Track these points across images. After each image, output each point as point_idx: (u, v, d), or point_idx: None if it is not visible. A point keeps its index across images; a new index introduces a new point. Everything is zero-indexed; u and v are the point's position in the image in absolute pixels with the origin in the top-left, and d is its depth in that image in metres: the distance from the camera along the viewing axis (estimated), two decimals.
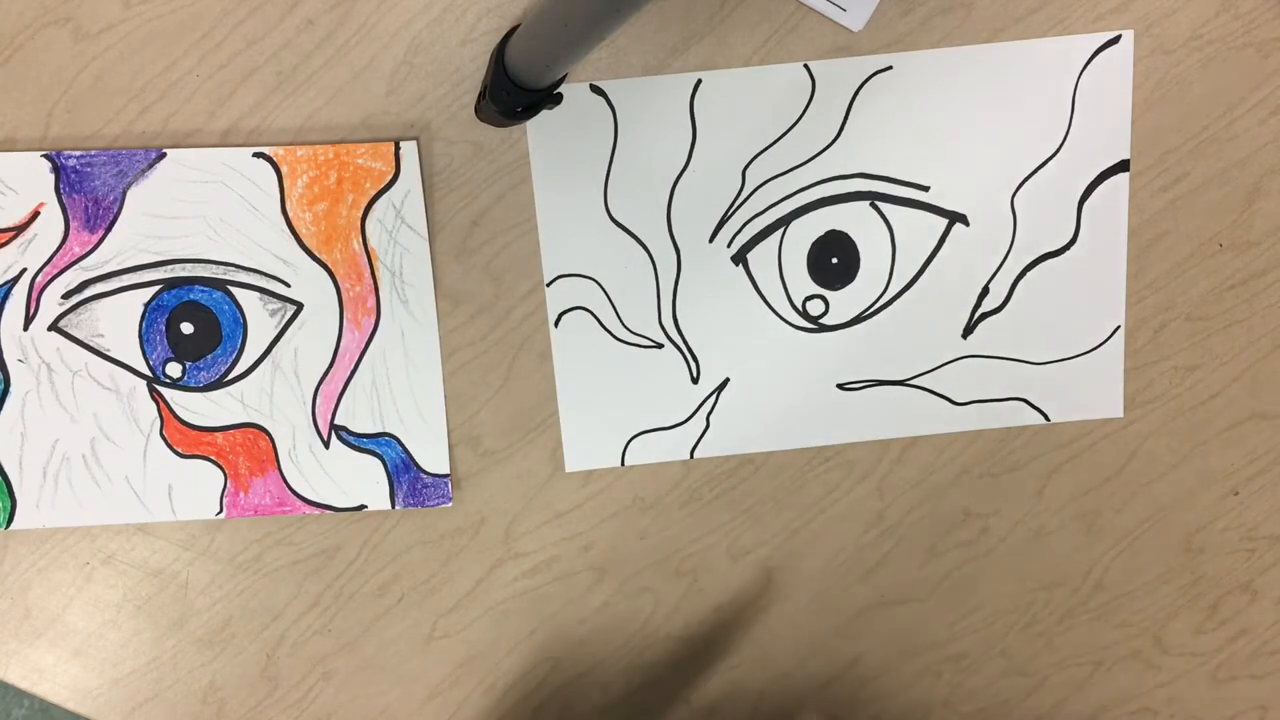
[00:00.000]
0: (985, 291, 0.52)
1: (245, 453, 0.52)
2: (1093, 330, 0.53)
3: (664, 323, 0.52)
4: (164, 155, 0.49)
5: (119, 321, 0.50)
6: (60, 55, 0.48)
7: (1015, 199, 0.52)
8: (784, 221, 0.51)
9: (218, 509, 0.52)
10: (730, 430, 0.53)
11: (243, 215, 0.50)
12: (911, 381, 0.53)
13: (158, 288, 0.50)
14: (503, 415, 0.53)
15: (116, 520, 0.52)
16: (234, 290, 0.50)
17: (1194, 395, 0.54)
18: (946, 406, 0.54)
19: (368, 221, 0.50)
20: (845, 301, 0.52)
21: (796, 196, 0.51)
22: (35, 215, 0.49)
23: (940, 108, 0.51)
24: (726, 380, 0.53)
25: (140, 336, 0.50)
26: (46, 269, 0.50)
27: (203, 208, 0.49)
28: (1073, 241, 0.52)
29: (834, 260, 0.52)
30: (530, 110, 0.46)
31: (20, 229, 0.49)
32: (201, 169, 0.49)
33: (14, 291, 0.50)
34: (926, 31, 0.50)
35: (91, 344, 0.50)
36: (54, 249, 0.49)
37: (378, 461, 0.52)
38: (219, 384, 0.51)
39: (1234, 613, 0.57)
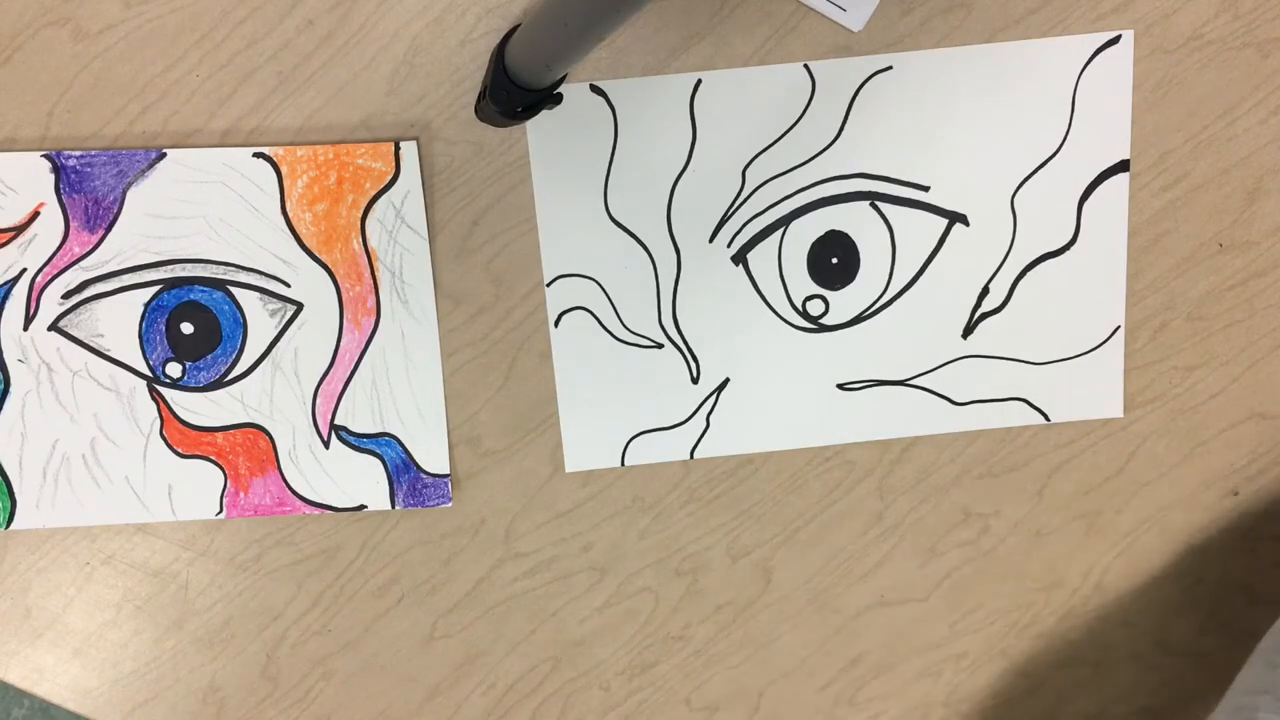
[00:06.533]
0: (985, 291, 0.52)
1: (245, 453, 0.52)
2: (1093, 330, 0.53)
3: (664, 323, 0.52)
4: (164, 155, 0.49)
5: (119, 321, 0.50)
6: (60, 55, 0.48)
7: (1015, 199, 0.52)
8: (784, 221, 0.51)
9: (218, 509, 0.52)
10: (730, 430, 0.53)
11: (243, 215, 0.50)
12: (911, 381, 0.53)
13: (158, 288, 0.50)
14: (503, 415, 0.53)
15: (116, 520, 0.52)
16: (234, 290, 0.50)
17: (1194, 395, 0.54)
18: (946, 406, 0.54)
19: (368, 221, 0.50)
20: (845, 301, 0.52)
21: (796, 196, 0.51)
22: (35, 215, 0.49)
23: (940, 108, 0.51)
24: (726, 380, 0.53)
25: (140, 336, 0.50)
26: (46, 269, 0.50)
27: (203, 208, 0.49)
28: (1073, 241, 0.52)
29: (834, 260, 0.52)
30: (530, 110, 0.46)
31: (20, 229, 0.49)
32: (201, 169, 0.49)
33: (14, 291, 0.50)
34: (926, 31, 0.50)
35: (91, 344, 0.50)
36: (54, 249, 0.49)
37: (378, 461, 0.52)
38: (219, 384, 0.51)
39: (1234, 613, 0.57)
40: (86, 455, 0.51)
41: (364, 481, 0.52)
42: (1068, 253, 0.52)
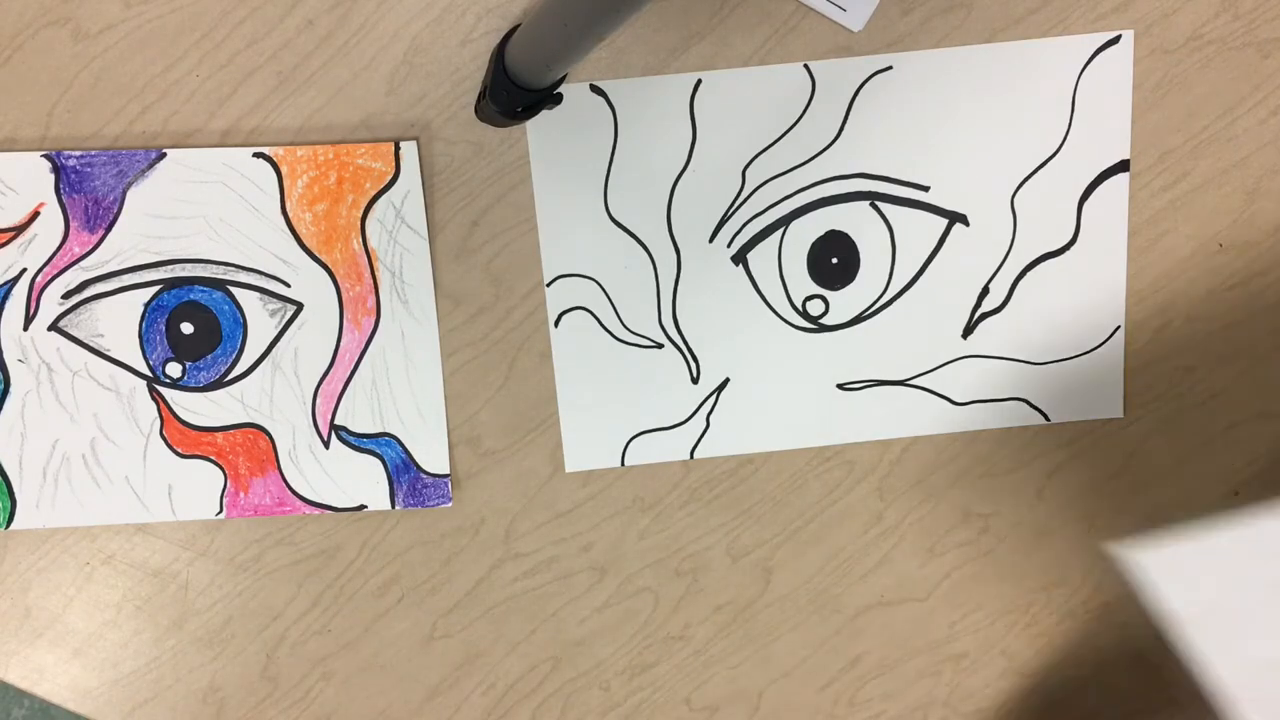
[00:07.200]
0: (985, 291, 0.52)
1: (245, 453, 0.52)
2: (1093, 330, 0.53)
3: (664, 323, 0.52)
4: (164, 155, 0.49)
5: (119, 321, 0.50)
6: (60, 55, 0.48)
7: (1015, 199, 0.52)
8: (784, 221, 0.51)
9: (218, 509, 0.52)
10: (730, 430, 0.53)
11: (243, 215, 0.50)
12: (911, 381, 0.53)
13: (158, 288, 0.50)
14: (503, 415, 0.53)
15: (116, 520, 0.52)
16: (234, 290, 0.50)
17: (1194, 395, 0.54)
18: (946, 406, 0.54)
19: (368, 221, 0.50)
20: (845, 301, 0.52)
21: (796, 196, 0.51)
22: (35, 215, 0.49)
23: (940, 108, 0.51)
24: (726, 380, 0.53)
25: (140, 336, 0.50)
26: (46, 269, 0.50)
27: (203, 208, 0.49)
28: (1073, 241, 0.52)
29: (834, 260, 0.52)
30: (530, 110, 0.46)
31: (20, 229, 0.49)
32: (201, 169, 0.49)
33: (14, 291, 0.50)
34: (926, 31, 0.50)
35: (91, 344, 0.50)
36: (54, 249, 0.49)
37: (378, 461, 0.52)
38: (219, 384, 0.51)
39: None
40: (86, 455, 0.51)
41: (364, 481, 0.52)
42: (1068, 253, 0.52)
